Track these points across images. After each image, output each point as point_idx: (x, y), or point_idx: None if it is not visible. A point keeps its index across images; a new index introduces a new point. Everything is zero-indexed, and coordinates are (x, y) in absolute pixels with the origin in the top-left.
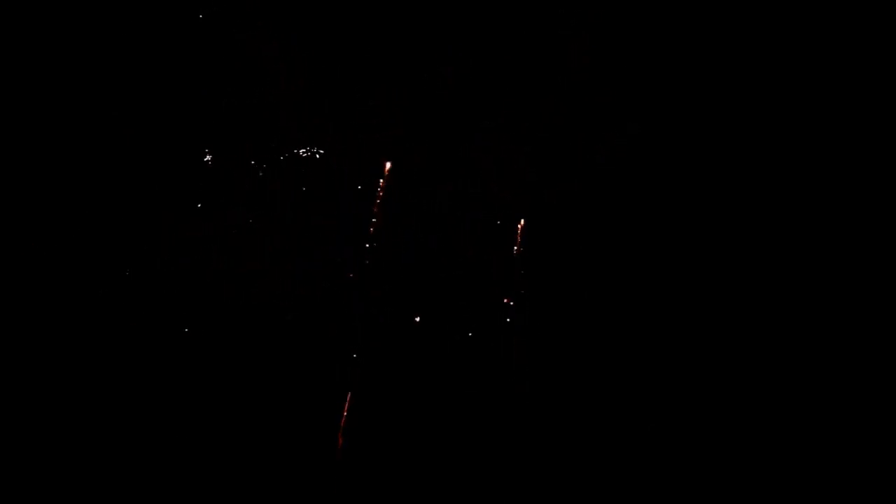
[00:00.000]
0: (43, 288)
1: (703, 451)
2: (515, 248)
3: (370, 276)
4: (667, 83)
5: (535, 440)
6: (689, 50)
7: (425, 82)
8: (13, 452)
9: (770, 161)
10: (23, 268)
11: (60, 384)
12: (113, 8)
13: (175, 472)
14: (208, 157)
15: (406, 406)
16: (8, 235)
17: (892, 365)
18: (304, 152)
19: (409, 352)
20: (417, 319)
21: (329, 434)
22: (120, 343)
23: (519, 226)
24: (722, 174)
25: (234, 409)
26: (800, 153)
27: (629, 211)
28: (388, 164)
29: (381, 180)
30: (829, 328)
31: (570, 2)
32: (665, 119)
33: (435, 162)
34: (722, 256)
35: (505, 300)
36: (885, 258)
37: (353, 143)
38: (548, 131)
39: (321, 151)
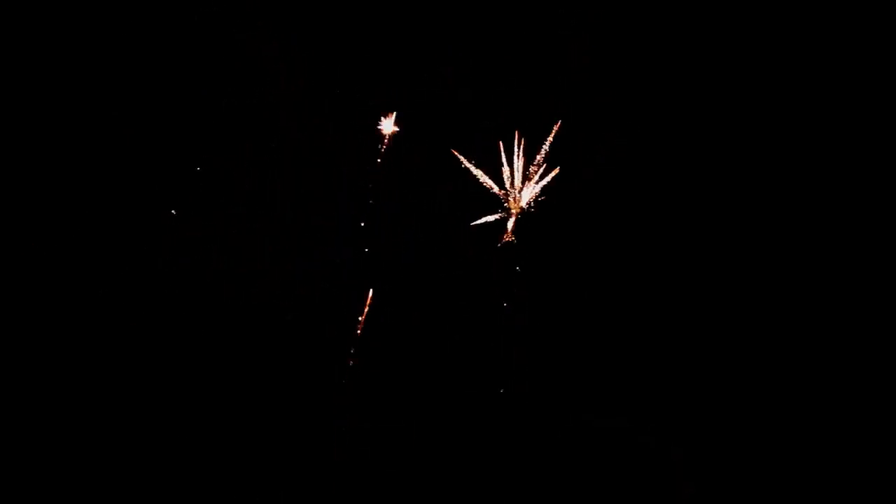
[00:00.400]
0: (43, 288)
1: (700, 449)
2: (507, 246)
3: (370, 276)
4: (666, 83)
5: (533, 438)
6: (687, 50)
7: (425, 82)
8: (13, 452)
9: (767, 161)
10: (23, 268)
11: (60, 383)
12: (114, 8)
13: (175, 469)
14: (208, 158)
15: (405, 405)
16: (8, 235)
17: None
18: (303, 152)
19: (408, 350)
20: (417, 317)
21: (326, 434)
22: (120, 342)
23: (510, 225)
24: (720, 174)
25: (234, 406)
26: (797, 153)
27: (628, 211)
28: (393, 115)
29: (388, 130)
30: (824, 326)
31: (570, 2)
32: (664, 119)
33: (435, 162)
34: (720, 257)
35: (503, 301)
36: (881, 258)
37: (353, 142)
38: (548, 131)
39: (321, 151)
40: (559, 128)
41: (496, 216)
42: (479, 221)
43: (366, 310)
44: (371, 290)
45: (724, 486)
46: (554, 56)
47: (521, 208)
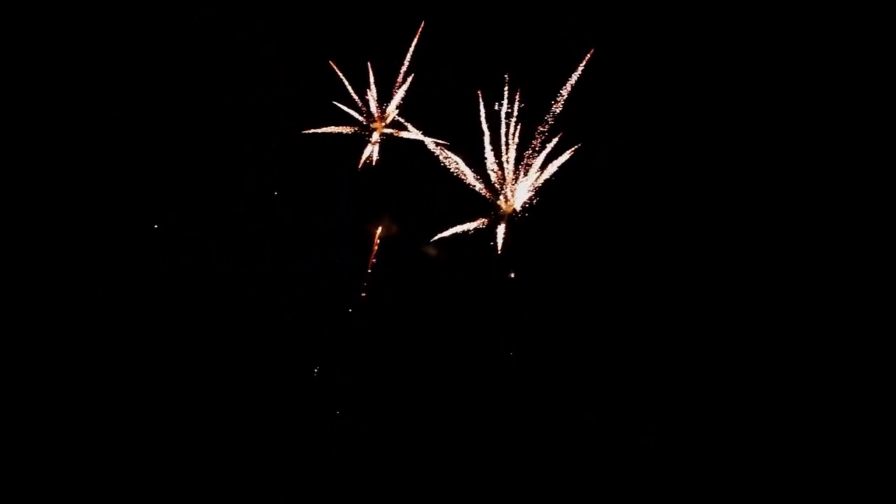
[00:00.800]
0: (43, 288)
1: (699, 449)
2: (500, 248)
3: (370, 277)
4: (666, 83)
5: (533, 437)
6: (688, 51)
7: (425, 82)
8: (13, 452)
9: (768, 161)
10: (23, 268)
11: (60, 383)
12: (114, 8)
13: (175, 467)
14: (208, 158)
15: (405, 405)
16: (8, 235)
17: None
18: (303, 152)
19: (407, 352)
20: (417, 318)
21: (326, 435)
22: (120, 342)
23: (501, 231)
24: (721, 174)
25: (234, 407)
26: (796, 153)
27: (628, 210)
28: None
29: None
30: (822, 325)
31: (570, 2)
32: (664, 119)
33: (435, 161)
34: (721, 258)
35: (503, 299)
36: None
37: (353, 143)
38: (548, 131)
39: (321, 151)
40: (560, 128)
41: (481, 222)
42: (457, 230)
43: (375, 248)
44: (380, 228)
45: (723, 485)
46: (554, 56)
47: (514, 210)
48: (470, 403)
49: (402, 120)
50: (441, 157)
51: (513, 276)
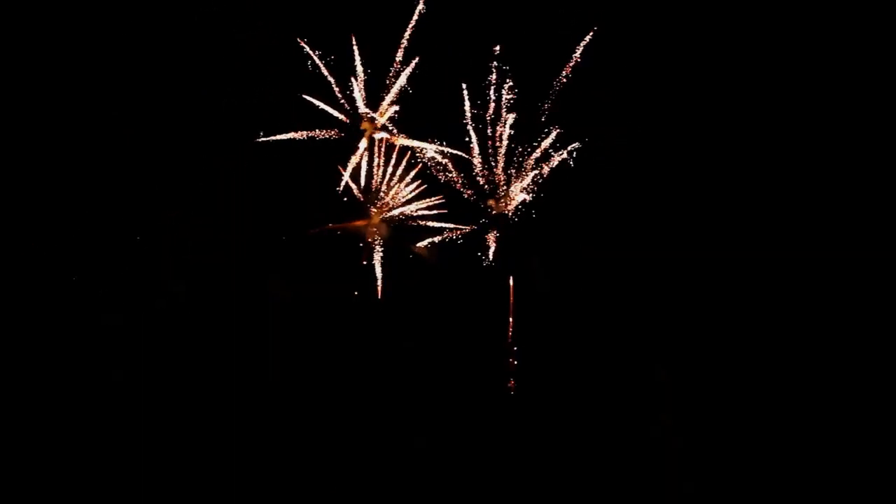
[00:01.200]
0: (43, 288)
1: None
2: (492, 252)
3: (372, 279)
4: (666, 83)
5: (532, 440)
6: (688, 51)
7: (426, 82)
8: (13, 452)
9: (769, 161)
10: (23, 268)
11: (59, 383)
12: (114, 8)
13: (172, 471)
14: (208, 157)
15: (406, 408)
16: (8, 235)
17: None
18: (304, 153)
19: (408, 355)
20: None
21: (328, 437)
22: (119, 342)
23: (492, 236)
24: (721, 174)
25: (233, 407)
26: (796, 153)
27: (628, 211)
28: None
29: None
30: (827, 327)
31: (570, 2)
32: (664, 119)
33: (430, 162)
34: (722, 258)
35: (503, 299)
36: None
37: (354, 143)
38: (549, 131)
39: (320, 151)
40: (560, 128)
41: (471, 227)
42: (449, 234)
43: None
44: (371, 231)
45: (724, 482)
46: (554, 56)
47: (504, 210)
48: (468, 405)
49: (390, 126)
50: (434, 160)
51: (509, 281)
